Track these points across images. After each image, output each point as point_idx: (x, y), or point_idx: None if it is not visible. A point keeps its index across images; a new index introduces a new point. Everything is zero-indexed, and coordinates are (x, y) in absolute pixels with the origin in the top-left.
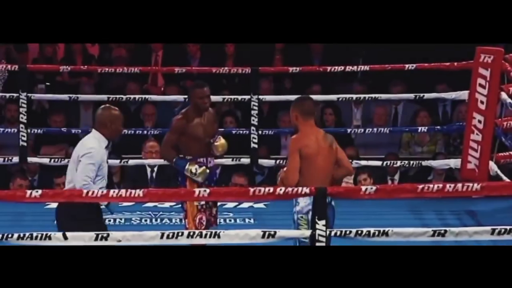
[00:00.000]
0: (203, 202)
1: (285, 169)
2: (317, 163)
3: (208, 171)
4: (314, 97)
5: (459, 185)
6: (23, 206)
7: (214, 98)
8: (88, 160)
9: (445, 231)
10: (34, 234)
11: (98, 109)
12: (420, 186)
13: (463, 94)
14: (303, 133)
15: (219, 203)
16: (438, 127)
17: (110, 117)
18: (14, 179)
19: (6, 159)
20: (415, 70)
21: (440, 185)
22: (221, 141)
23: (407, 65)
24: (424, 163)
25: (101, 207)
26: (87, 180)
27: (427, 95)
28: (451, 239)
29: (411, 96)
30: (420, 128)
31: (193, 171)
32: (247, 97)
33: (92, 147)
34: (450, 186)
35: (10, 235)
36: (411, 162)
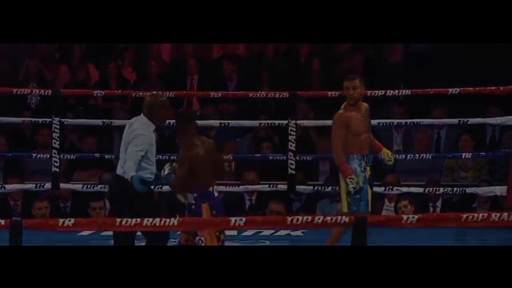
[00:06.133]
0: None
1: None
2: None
3: None
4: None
5: (505, 214)
6: (54, 234)
7: (251, 123)
8: (136, 148)
9: None
10: None
11: (146, 96)
12: (465, 215)
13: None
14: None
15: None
16: (483, 153)
17: (157, 104)
18: (34, 203)
19: (39, 185)
20: (458, 94)
21: (486, 215)
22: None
23: (450, 89)
24: (469, 190)
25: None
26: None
27: (471, 120)
28: None
29: (454, 121)
30: (464, 154)
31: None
32: (284, 122)
33: (137, 129)
34: (495, 216)
35: None
36: (455, 189)
